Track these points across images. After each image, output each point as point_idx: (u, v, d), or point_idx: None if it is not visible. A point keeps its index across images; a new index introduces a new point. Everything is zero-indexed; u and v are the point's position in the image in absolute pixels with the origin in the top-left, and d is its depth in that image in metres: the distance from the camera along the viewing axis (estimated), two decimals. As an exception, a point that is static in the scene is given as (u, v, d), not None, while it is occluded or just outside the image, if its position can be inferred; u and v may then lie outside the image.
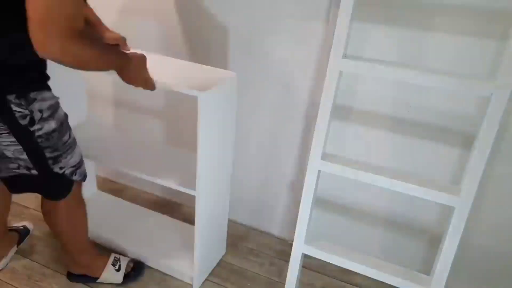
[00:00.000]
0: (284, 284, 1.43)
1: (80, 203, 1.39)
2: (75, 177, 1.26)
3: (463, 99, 1.29)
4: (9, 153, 1.14)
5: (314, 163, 1.23)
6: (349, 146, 1.50)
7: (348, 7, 1.06)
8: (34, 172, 1.18)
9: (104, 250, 1.61)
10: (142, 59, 1.17)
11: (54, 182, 1.24)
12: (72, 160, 1.23)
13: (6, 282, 1.52)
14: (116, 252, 1.59)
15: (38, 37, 0.85)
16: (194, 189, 1.34)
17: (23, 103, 1.05)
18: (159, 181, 1.43)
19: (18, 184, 1.26)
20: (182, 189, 1.39)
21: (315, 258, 1.35)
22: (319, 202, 1.63)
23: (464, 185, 1.09)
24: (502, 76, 0.98)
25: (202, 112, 1.20)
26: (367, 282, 1.61)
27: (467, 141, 1.31)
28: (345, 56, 1.12)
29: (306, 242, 1.34)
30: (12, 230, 1.65)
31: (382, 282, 1.27)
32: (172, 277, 1.60)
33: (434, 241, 1.50)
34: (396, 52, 1.31)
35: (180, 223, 1.82)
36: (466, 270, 1.51)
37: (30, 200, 1.87)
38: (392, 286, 1.25)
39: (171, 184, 1.41)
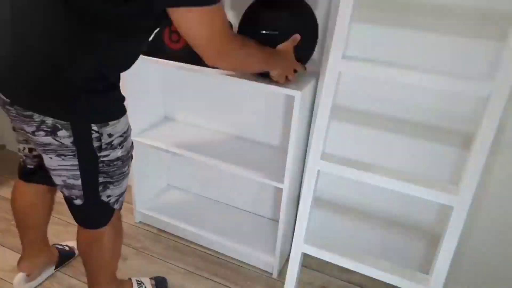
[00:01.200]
0: (283, 283, 1.44)
1: (120, 232, 1.32)
2: (116, 206, 1.19)
3: (462, 99, 1.29)
4: (58, 180, 1.08)
5: (314, 163, 1.23)
6: (349, 146, 1.51)
7: (347, 7, 1.07)
8: (78, 202, 1.12)
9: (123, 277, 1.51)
10: (285, 46, 1.25)
11: (97, 210, 1.17)
12: (118, 190, 1.17)
13: (8, 282, 1.53)
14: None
15: (208, 56, 1.00)
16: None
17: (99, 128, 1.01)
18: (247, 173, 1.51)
19: None
20: (269, 182, 1.49)
21: (314, 257, 1.36)
22: (319, 202, 1.63)
23: (463, 184, 1.09)
24: (501, 76, 0.99)
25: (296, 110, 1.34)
26: (366, 281, 1.62)
27: (466, 141, 1.32)
28: (344, 56, 1.13)
29: (306, 241, 1.34)
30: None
31: (382, 281, 1.27)
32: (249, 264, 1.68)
33: (433, 241, 1.50)
34: (395, 52, 1.32)
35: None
36: (465, 269, 1.51)
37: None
38: (391, 285, 1.26)
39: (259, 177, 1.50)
